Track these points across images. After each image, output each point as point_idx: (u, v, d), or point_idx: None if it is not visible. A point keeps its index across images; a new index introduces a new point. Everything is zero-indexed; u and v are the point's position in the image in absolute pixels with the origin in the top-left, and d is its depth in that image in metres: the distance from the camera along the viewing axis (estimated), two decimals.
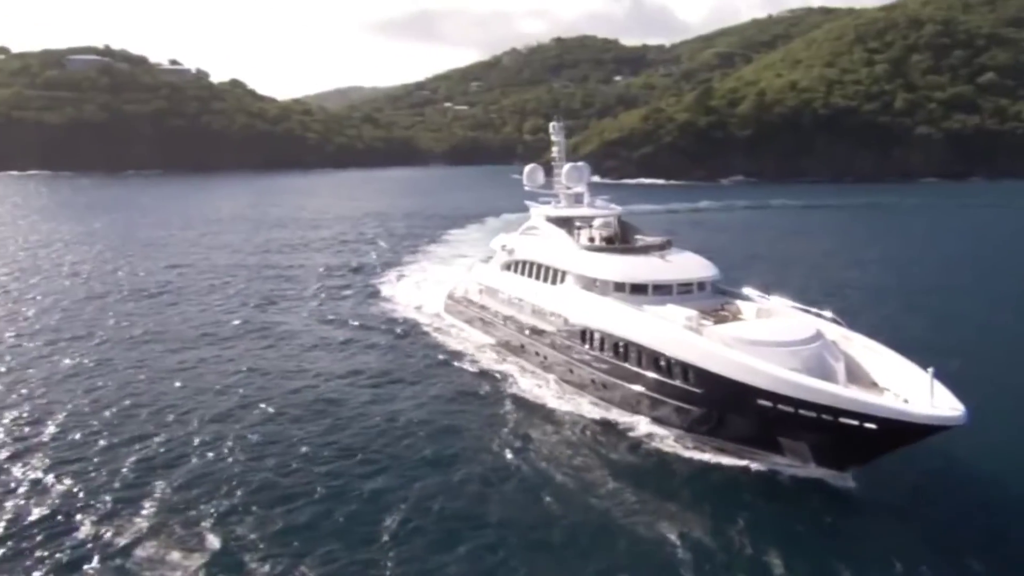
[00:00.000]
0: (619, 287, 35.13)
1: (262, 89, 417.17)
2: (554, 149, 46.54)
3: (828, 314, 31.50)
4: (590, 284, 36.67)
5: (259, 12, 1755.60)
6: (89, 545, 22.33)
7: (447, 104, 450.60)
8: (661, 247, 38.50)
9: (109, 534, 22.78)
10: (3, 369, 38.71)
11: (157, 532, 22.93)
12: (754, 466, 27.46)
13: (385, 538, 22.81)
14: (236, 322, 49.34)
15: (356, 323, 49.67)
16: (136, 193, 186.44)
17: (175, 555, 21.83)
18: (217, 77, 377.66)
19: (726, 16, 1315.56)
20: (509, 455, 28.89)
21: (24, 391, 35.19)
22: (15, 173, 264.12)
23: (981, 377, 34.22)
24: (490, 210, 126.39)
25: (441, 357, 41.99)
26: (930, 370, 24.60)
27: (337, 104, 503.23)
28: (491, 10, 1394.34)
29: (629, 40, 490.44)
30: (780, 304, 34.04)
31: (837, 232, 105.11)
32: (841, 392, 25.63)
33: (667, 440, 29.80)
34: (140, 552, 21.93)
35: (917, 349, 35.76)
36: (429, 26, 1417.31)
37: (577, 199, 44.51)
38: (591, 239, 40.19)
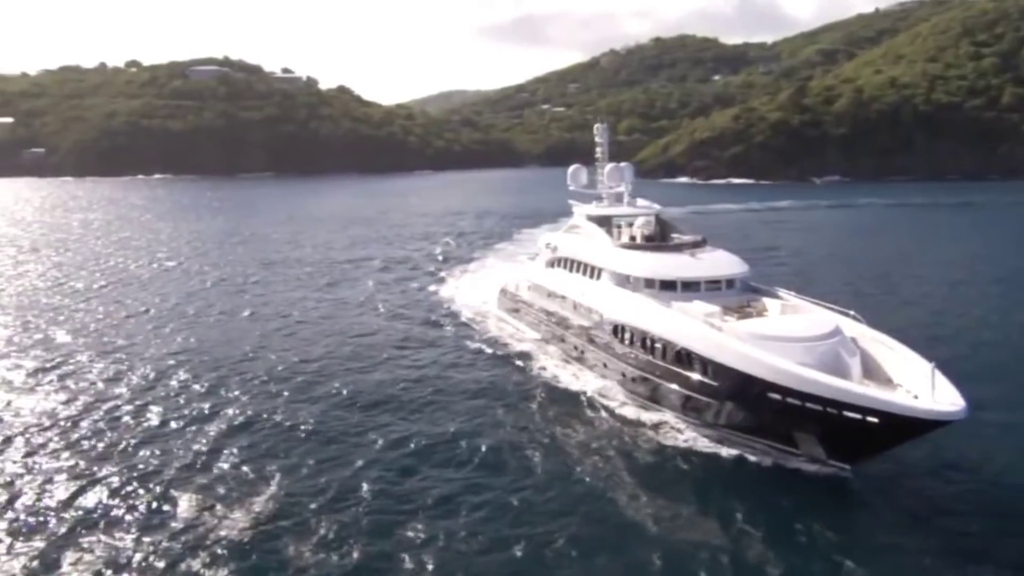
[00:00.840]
0: (649, 283, 36.01)
1: (370, 94, 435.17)
2: (597, 150, 47.83)
3: (851, 312, 31.86)
4: (623, 281, 37.51)
5: (370, 20, 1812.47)
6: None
7: (545, 106, 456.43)
8: (695, 245, 39.06)
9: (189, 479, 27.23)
10: (137, 332, 47.03)
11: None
12: (769, 460, 28.28)
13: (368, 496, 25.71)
14: (311, 303, 56.66)
15: (412, 312, 54.08)
16: (248, 194, 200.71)
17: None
18: (326, 84, 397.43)
19: (837, 11, 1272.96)
20: (529, 442, 30.47)
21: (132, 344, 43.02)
22: (142, 177, 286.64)
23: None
24: (567, 210, 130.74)
25: (486, 348, 44.51)
26: (932, 365, 25.09)
27: (440, 108, 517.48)
28: (595, 12, 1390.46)
29: (732, 38, 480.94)
30: (804, 302, 34.56)
31: (914, 230, 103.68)
32: (843, 386, 25.96)
33: (689, 433, 30.75)
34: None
35: (944, 344, 39.99)
36: (534, 29, 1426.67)
37: (618, 198, 45.48)
38: (632, 237, 41.01)
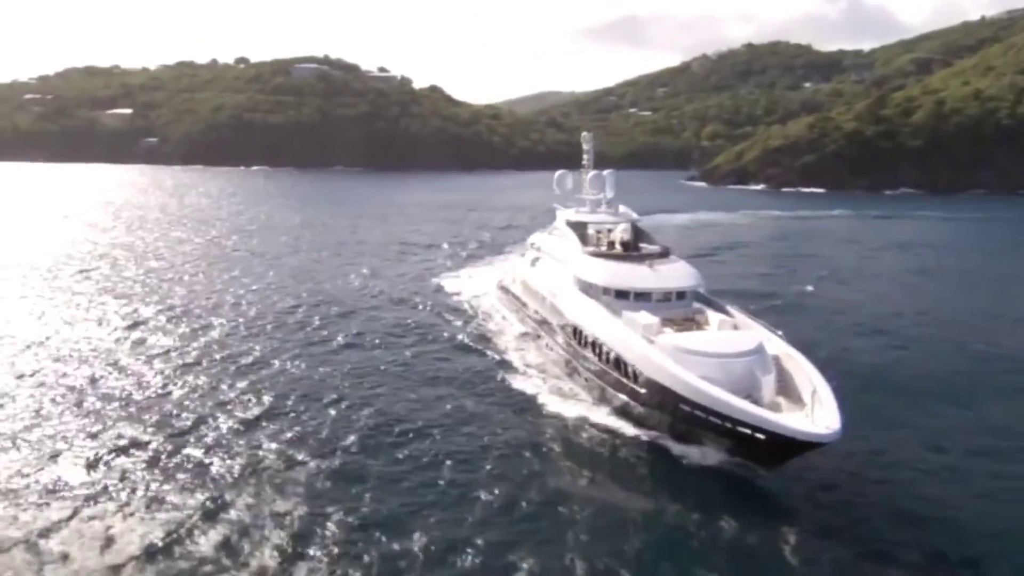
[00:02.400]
0: (606, 291, 37.35)
1: (467, 94, 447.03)
2: (584, 157, 49.60)
3: (779, 332, 33.38)
4: (586, 287, 38.73)
5: (472, 22, 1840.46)
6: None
7: (632, 109, 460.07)
8: (657, 256, 40.04)
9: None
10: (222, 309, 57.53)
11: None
12: (694, 459, 29.42)
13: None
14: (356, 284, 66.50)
15: (420, 301, 58.02)
16: (337, 186, 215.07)
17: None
18: (422, 83, 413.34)
19: (950, 16, 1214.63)
20: (471, 432, 32.13)
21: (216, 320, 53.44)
22: (243, 168, 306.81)
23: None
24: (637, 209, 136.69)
25: (471, 337, 47.10)
26: (814, 390, 27.50)
27: (533, 109, 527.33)
28: (697, 14, 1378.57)
29: (836, 44, 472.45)
30: (746, 318, 35.99)
31: (962, 244, 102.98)
32: (735, 403, 27.16)
33: (625, 434, 31.91)
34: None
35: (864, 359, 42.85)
36: (635, 31, 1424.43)
37: (597, 205, 47.17)
38: (610, 243, 42.44)
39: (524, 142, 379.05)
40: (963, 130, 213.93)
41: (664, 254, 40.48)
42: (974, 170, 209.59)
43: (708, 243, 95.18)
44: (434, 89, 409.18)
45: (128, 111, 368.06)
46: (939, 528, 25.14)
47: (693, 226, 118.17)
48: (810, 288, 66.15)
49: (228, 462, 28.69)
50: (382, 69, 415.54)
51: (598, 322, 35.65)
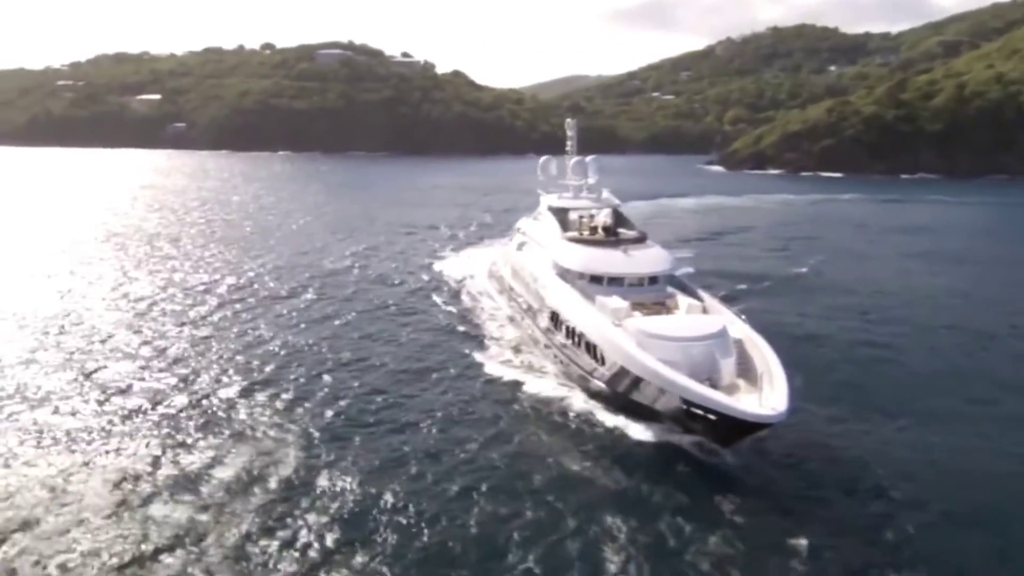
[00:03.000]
0: (581, 276, 38.20)
1: (494, 79, 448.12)
2: (568, 143, 50.58)
3: (742, 316, 34.74)
4: (564, 272, 39.52)
5: (504, 5, 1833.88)
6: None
7: (655, 93, 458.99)
8: (634, 241, 40.73)
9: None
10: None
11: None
12: (660, 438, 30.11)
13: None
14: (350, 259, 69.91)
15: (415, 282, 60.22)
16: (360, 171, 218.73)
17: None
18: (447, 68, 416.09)
19: None
20: (454, 407, 33.38)
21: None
22: (267, 153, 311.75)
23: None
24: (658, 190, 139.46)
25: (456, 319, 48.83)
26: (769, 373, 28.55)
27: (561, 92, 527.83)
28: None
29: (868, 26, 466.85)
30: (714, 302, 36.91)
31: (972, 228, 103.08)
32: (690, 385, 27.97)
33: (595, 413, 32.65)
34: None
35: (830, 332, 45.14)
36: (663, 14, 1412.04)
37: (580, 191, 47.80)
38: (592, 228, 42.93)
39: (546, 127, 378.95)
40: (984, 114, 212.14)
41: (640, 239, 41.20)
42: (995, 155, 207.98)
43: (710, 227, 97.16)
44: (457, 74, 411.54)
45: (157, 97, 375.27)
46: (897, 503, 25.77)
47: (699, 210, 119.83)
48: (803, 270, 67.69)
49: (218, 414, 32.16)
50: (405, 54, 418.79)
51: (572, 306, 36.40)
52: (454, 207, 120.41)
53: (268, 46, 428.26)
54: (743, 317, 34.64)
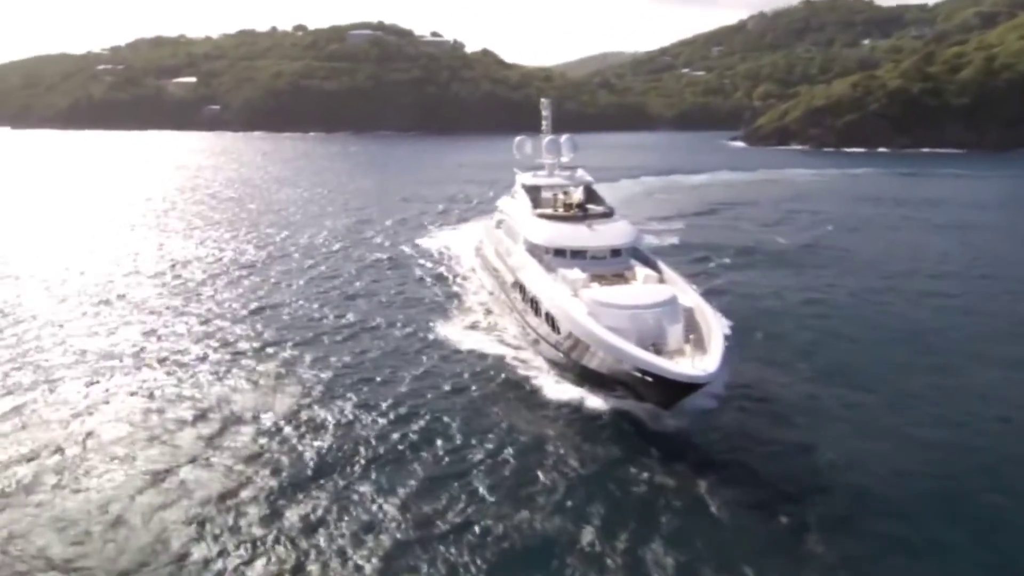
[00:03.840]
0: (547, 250, 39.83)
1: (532, 57, 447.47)
2: (543, 123, 51.79)
3: (694, 286, 36.89)
4: (533, 247, 41.06)
5: None
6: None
7: (684, 70, 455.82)
8: (601, 216, 42.65)
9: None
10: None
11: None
12: (606, 403, 31.85)
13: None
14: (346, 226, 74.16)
15: (403, 253, 64.40)
16: (386, 150, 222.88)
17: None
18: (477, 46, 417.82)
19: None
20: (425, 375, 35.51)
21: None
22: (298, 134, 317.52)
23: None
24: (650, 171, 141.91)
25: (440, 292, 51.76)
26: (709, 337, 30.07)
27: (595, 69, 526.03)
28: None
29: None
30: (673, 274, 38.31)
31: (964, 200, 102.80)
32: (626, 348, 29.29)
33: (550, 381, 34.47)
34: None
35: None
36: None
37: (554, 169, 49.11)
38: (566, 205, 44.53)
39: (573, 104, 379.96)
40: (1014, 86, 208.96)
41: (608, 214, 43.11)
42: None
43: (713, 201, 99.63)
44: (486, 53, 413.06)
45: (192, 80, 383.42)
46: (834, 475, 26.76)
47: (708, 185, 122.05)
48: (790, 242, 69.89)
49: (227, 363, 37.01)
50: (435, 34, 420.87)
51: (536, 279, 37.89)
52: (476, 184, 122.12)
53: (300, 27, 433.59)
54: (695, 287, 36.72)
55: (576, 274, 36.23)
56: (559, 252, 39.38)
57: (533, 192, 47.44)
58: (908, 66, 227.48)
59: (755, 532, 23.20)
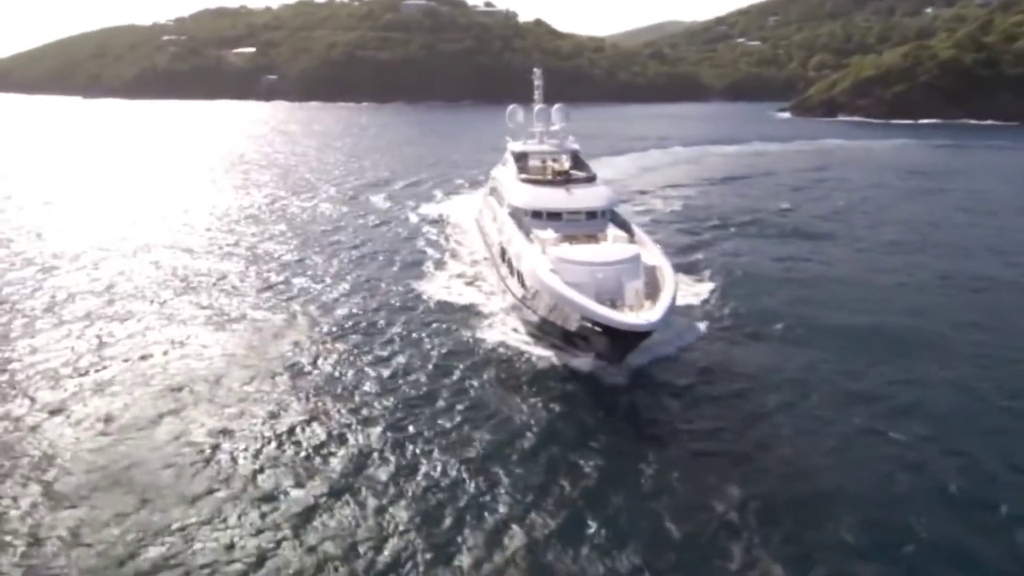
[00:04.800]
0: (526, 212, 40.92)
1: (585, 27, 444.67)
2: (535, 92, 53.34)
3: (658, 245, 38.75)
4: (516, 210, 42.21)
5: None
6: None
7: (740, 39, 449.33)
8: (583, 181, 44.25)
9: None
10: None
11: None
12: (565, 361, 33.21)
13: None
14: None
15: (411, 220, 66.83)
16: (438, 120, 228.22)
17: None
18: (531, 15, 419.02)
19: None
20: (403, 333, 37.44)
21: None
22: (351, 104, 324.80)
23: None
24: (682, 142, 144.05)
25: (435, 256, 53.26)
26: (641, 286, 31.63)
27: (651, 39, 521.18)
28: None
29: None
30: (643, 234, 40.23)
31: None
32: (575, 299, 30.33)
33: (521, 341, 35.99)
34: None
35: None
36: None
37: (543, 137, 50.67)
38: (556, 172, 45.89)
39: (624, 75, 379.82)
40: None
41: (589, 180, 44.67)
42: None
43: (734, 171, 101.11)
44: (539, 23, 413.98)
45: (251, 50, 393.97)
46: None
47: (736, 155, 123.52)
48: (789, 208, 71.80)
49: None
50: (488, 3, 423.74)
51: (513, 239, 39.48)
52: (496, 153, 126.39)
53: None
54: (659, 248, 38.45)
55: (548, 234, 37.39)
56: (536, 214, 40.50)
57: (521, 159, 49.15)
58: (962, 35, 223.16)
59: (691, 498, 23.52)
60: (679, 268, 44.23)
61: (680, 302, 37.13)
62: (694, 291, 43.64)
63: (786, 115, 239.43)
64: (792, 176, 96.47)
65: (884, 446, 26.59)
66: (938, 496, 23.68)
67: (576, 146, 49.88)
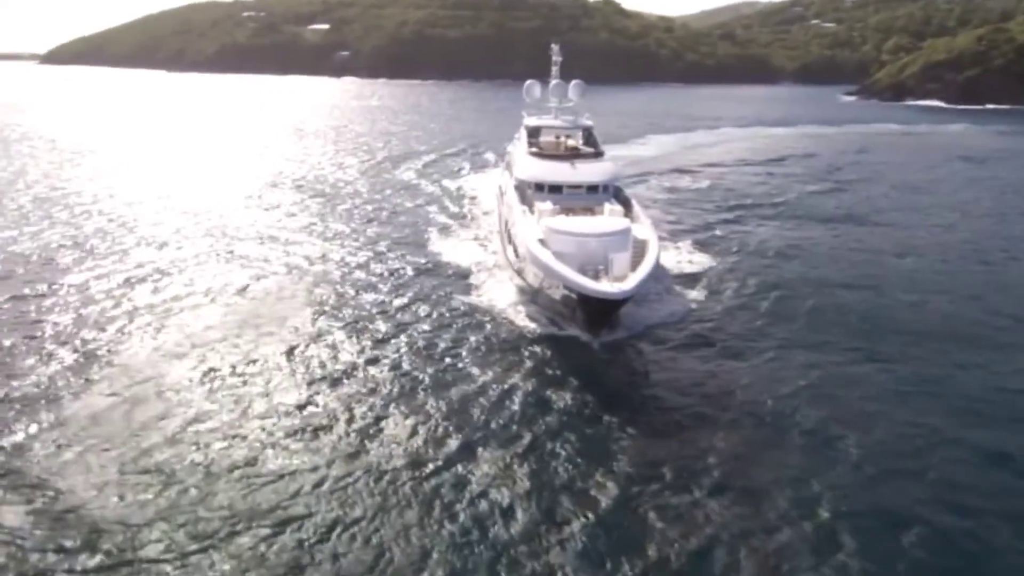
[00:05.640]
0: (529, 185, 41.68)
1: (660, 7, 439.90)
2: (553, 68, 53.76)
3: (649, 220, 39.24)
4: (519, 183, 43.01)
5: None
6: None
7: (815, 21, 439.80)
8: (590, 156, 44.87)
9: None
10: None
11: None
12: (552, 331, 33.72)
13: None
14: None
15: (439, 189, 70.08)
16: (501, 97, 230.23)
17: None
18: None
19: None
20: (401, 301, 37.72)
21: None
22: (418, 81, 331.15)
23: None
24: (733, 121, 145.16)
25: (450, 225, 54.96)
26: (612, 258, 31.60)
27: (728, 19, 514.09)
28: None
29: None
30: (639, 210, 40.87)
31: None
32: (555, 266, 31.11)
33: (516, 312, 35.97)
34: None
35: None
36: None
37: (557, 112, 51.19)
38: (568, 148, 46.82)
39: (692, 55, 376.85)
40: None
41: (596, 155, 45.28)
42: None
43: (774, 151, 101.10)
44: (607, 3, 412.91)
45: (325, 27, 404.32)
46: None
47: (783, 137, 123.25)
48: (812, 188, 72.79)
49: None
50: None
51: (514, 210, 40.00)
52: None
53: None
54: (650, 221, 39.20)
55: (547, 206, 37.87)
56: (539, 187, 41.06)
57: (534, 133, 49.85)
58: None
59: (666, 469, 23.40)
60: (697, 246, 48.58)
61: (682, 276, 40.81)
62: (697, 265, 44.82)
63: (851, 99, 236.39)
64: (831, 158, 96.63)
65: (883, 421, 26.27)
66: (943, 484, 22.81)
67: (590, 123, 50.35)
